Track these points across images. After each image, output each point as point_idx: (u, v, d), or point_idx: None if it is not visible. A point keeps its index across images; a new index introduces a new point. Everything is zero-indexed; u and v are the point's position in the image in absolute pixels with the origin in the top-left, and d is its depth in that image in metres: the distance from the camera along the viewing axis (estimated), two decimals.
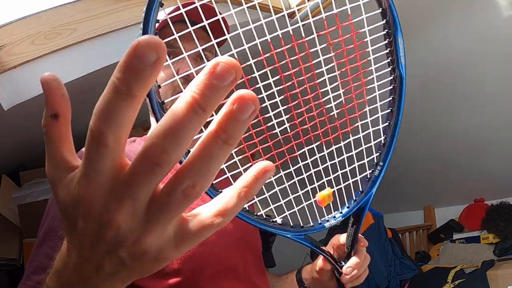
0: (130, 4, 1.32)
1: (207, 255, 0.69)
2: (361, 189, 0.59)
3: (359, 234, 0.61)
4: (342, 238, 0.65)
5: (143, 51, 0.21)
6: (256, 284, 0.78)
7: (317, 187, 0.55)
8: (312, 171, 0.55)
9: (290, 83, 0.51)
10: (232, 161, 0.52)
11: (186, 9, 0.56)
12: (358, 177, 0.58)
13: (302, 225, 0.56)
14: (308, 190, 0.55)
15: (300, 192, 0.54)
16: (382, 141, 0.57)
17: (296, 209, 0.54)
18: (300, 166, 0.54)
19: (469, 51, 1.94)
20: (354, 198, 0.60)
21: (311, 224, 0.56)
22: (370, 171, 0.58)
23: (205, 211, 0.25)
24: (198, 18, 0.78)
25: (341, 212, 0.59)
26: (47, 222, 0.64)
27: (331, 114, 0.53)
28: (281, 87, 0.51)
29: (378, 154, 0.58)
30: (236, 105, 0.21)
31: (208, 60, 0.80)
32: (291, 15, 1.12)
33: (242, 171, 0.49)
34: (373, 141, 0.57)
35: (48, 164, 0.26)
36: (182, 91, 0.74)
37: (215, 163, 0.22)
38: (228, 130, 0.21)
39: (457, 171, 2.66)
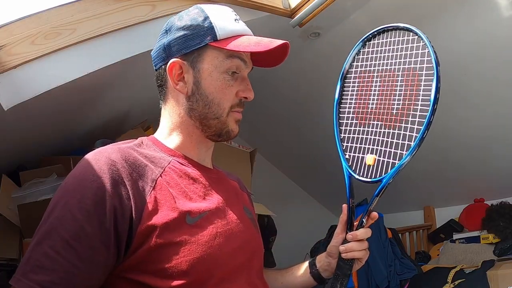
0: (130, 4, 1.32)
1: (214, 257, 0.69)
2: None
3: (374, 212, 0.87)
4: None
5: None
6: (257, 286, 0.78)
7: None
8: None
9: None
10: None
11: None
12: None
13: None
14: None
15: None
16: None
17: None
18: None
19: (469, 50, 1.94)
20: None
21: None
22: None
23: None
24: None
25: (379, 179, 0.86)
26: (50, 222, 0.63)
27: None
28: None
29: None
30: None
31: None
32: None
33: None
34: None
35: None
36: (236, 111, 0.81)
37: None
38: None
39: (457, 171, 2.66)
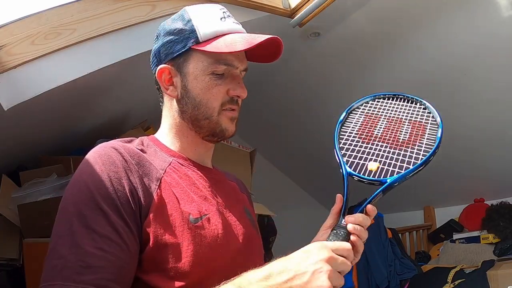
0: (130, 4, 1.32)
1: (217, 259, 0.70)
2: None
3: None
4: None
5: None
6: None
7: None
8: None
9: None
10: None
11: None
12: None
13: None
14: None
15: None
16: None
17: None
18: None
19: (468, 51, 1.94)
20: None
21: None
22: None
23: None
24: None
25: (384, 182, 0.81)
26: (77, 221, 0.60)
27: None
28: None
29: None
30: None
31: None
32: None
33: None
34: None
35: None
36: (226, 109, 0.78)
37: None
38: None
39: (457, 171, 2.66)
